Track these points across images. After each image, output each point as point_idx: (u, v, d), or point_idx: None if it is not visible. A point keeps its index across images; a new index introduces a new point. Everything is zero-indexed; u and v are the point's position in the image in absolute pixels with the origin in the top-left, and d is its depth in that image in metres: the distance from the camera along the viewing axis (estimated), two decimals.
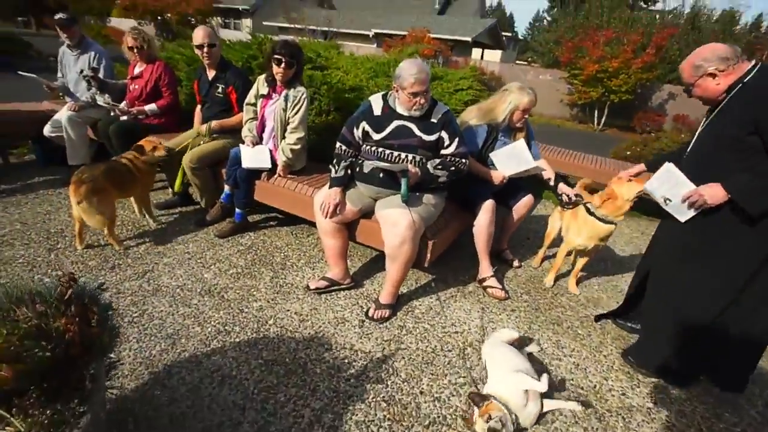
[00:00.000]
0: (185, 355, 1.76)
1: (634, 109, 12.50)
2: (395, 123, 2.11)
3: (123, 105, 3.43)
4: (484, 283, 2.54)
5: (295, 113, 2.58)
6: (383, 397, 1.66)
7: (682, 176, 1.73)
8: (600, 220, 2.35)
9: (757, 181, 1.52)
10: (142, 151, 2.69)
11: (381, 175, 2.11)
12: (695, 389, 1.95)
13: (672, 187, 1.76)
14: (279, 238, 2.91)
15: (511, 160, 2.46)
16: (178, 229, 2.87)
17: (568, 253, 2.65)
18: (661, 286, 1.93)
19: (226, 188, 2.85)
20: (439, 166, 2.12)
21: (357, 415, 1.57)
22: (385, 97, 2.18)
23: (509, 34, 33.23)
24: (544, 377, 1.60)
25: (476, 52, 20.21)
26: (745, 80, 1.56)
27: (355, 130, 2.19)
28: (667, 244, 1.93)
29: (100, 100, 3.54)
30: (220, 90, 2.94)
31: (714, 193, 1.61)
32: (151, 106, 3.34)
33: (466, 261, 2.78)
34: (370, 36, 19.37)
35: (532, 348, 2.01)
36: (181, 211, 3.15)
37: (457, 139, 2.13)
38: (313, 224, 3.01)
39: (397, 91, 2.07)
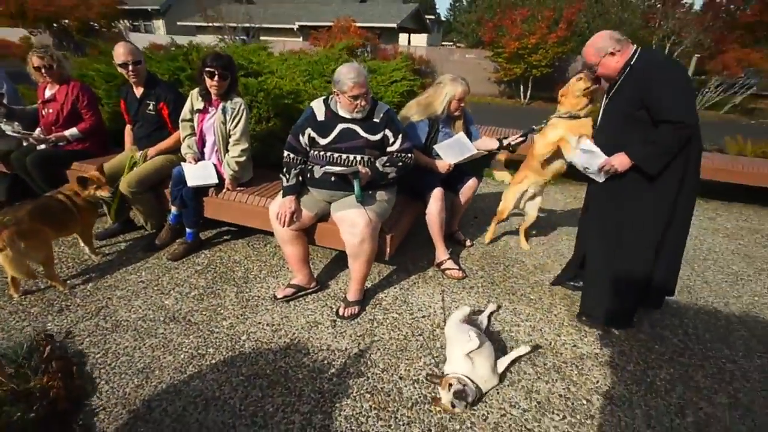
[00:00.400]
0: (162, 386, 1.73)
1: (555, 81, 13.41)
2: (340, 126, 2.17)
3: (37, 132, 3.15)
4: (442, 266, 2.70)
5: (236, 125, 2.55)
6: (366, 389, 1.77)
7: (596, 149, 2.06)
8: (569, 117, 2.47)
9: (649, 148, 1.88)
10: (85, 185, 2.47)
11: (333, 178, 2.17)
12: (631, 330, 2.26)
13: (590, 159, 2.08)
14: (236, 252, 2.88)
15: (453, 150, 2.62)
16: (126, 259, 2.73)
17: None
18: (598, 237, 2.22)
19: (173, 209, 2.75)
20: (387, 164, 2.22)
21: (345, 410, 1.66)
22: (326, 102, 2.22)
23: (432, 17, 33.86)
24: (472, 334, 1.78)
25: (403, 38, 20.47)
26: (631, 63, 1.89)
27: (300, 137, 2.22)
28: (597, 202, 2.24)
29: (8, 129, 3.22)
30: (150, 107, 2.80)
31: (621, 161, 1.95)
32: (72, 131, 3.10)
33: (423, 247, 2.94)
34: (295, 29, 18.86)
35: (490, 308, 2.24)
36: (125, 238, 2.99)
37: (400, 136, 2.23)
38: (268, 233, 3.01)
39: (337, 95, 2.12)
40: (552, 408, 1.75)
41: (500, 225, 3.22)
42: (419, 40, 23.45)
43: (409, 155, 2.28)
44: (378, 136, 2.18)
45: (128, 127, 3.03)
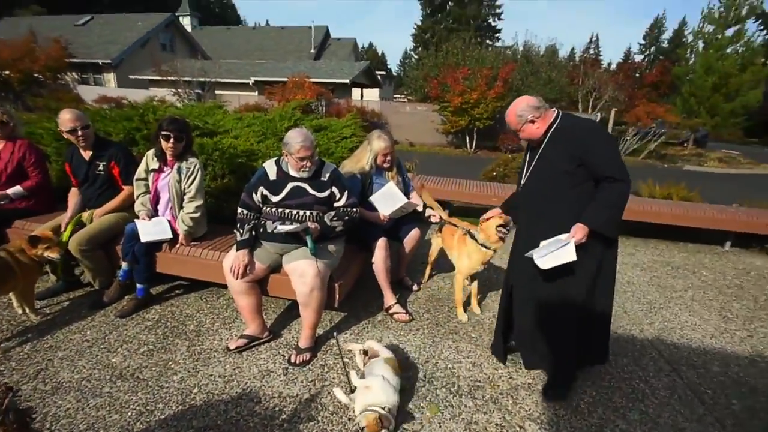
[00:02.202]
0: None
1: (497, 132, 14.65)
2: (290, 185, 2.38)
3: None
4: (390, 311, 2.88)
5: (191, 183, 2.68)
6: (316, 431, 1.85)
7: (553, 241, 1.98)
8: (482, 246, 2.74)
9: (605, 212, 1.90)
10: (36, 244, 2.44)
11: (284, 234, 2.34)
12: None
13: (555, 255, 1.95)
14: (188, 306, 2.90)
15: (386, 200, 2.87)
16: (69, 318, 2.67)
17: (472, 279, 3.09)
18: (528, 298, 2.21)
19: (124, 265, 2.76)
20: (335, 218, 2.43)
21: None
22: (278, 163, 2.44)
23: (383, 72, 36.18)
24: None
25: (356, 92, 21.62)
26: (555, 125, 2.00)
27: (254, 195, 2.40)
28: (524, 266, 2.14)
29: None
30: (101, 167, 2.86)
31: (585, 233, 1.92)
32: (16, 189, 3.08)
33: (372, 294, 3.10)
34: (251, 84, 19.43)
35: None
36: (69, 297, 2.92)
37: (346, 192, 2.48)
38: (221, 286, 3.06)
39: (286, 156, 2.35)
40: None
41: (444, 269, 3.48)
42: (372, 94, 24.87)
43: (355, 210, 2.51)
44: (325, 193, 2.41)
45: (73, 190, 3.01)
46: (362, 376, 2.02)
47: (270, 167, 2.43)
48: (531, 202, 2.16)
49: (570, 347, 2.17)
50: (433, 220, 3.08)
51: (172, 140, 2.56)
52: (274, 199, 2.37)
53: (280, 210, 2.37)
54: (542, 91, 19.68)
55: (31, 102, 13.86)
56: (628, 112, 14.60)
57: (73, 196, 2.97)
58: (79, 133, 2.76)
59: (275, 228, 2.33)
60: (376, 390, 1.88)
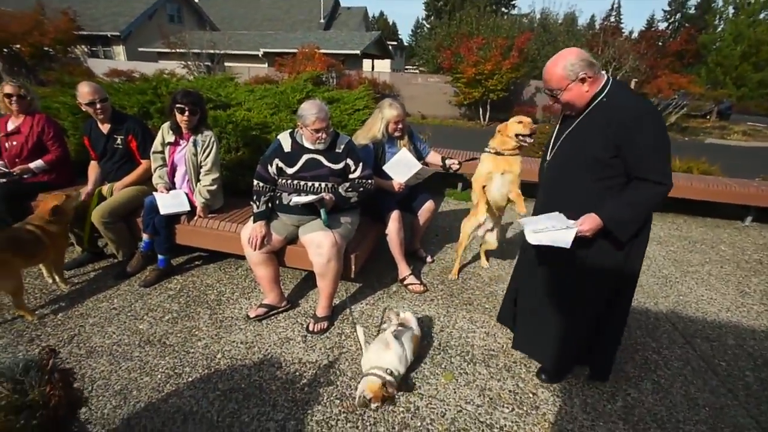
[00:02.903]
0: (140, 405, 1.82)
1: (511, 104, 14.29)
2: (305, 157, 2.38)
3: None
4: (405, 282, 2.92)
5: (207, 156, 2.70)
6: (335, 395, 1.93)
7: (562, 217, 1.74)
8: (495, 153, 2.69)
9: (627, 210, 1.62)
10: (61, 212, 2.53)
11: (300, 206, 2.36)
12: None
13: (549, 223, 1.75)
14: (208, 276, 2.98)
15: (400, 167, 2.85)
16: (96, 287, 2.78)
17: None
18: (541, 292, 1.98)
19: (145, 236, 2.84)
20: (350, 189, 2.44)
21: (316, 416, 1.81)
22: (292, 135, 2.43)
23: (395, 43, 35.22)
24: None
25: (366, 64, 21.15)
26: (601, 97, 1.61)
27: (269, 167, 2.41)
28: (541, 258, 1.96)
29: None
30: (119, 141, 2.90)
31: (594, 227, 1.65)
32: (38, 163, 3.14)
33: (387, 265, 3.15)
34: (260, 56, 19.11)
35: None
36: (95, 267, 3.03)
37: (361, 164, 2.47)
38: (239, 257, 3.14)
39: (301, 128, 2.34)
40: (502, 402, 1.97)
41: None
42: (383, 65, 24.32)
43: (369, 181, 2.51)
44: (340, 165, 2.41)
45: (93, 163, 3.07)
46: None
47: (285, 139, 2.43)
48: (550, 188, 1.84)
49: (570, 352, 2.00)
50: (454, 168, 3.11)
51: (186, 113, 2.57)
52: (290, 171, 2.38)
53: (295, 182, 2.38)
54: None
55: (43, 76, 13.90)
56: (649, 82, 14.03)
57: (93, 170, 3.03)
58: (98, 106, 2.78)
59: (291, 200, 2.35)
60: (392, 352, 1.94)
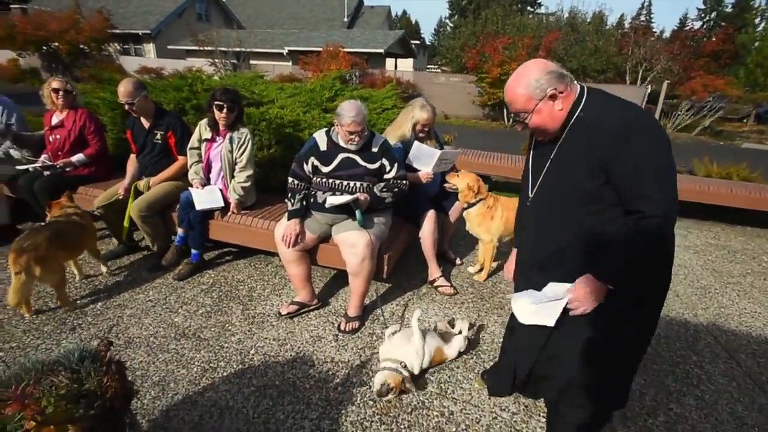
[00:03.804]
0: (178, 397, 1.85)
1: None
2: (341, 156, 2.37)
3: (43, 158, 3.29)
4: (435, 284, 2.89)
5: (242, 153, 2.74)
6: (369, 397, 1.92)
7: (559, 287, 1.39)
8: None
9: (620, 263, 1.27)
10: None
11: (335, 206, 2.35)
12: None
13: (543, 310, 1.41)
14: (239, 272, 3.02)
15: (421, 158, 2.80)
16: (132, 279, 2.85)
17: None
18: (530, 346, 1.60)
19: (180, 231, 2.89)
20: (384, 189, 2.43)
21: (350, 416, 1.80)
22: (328, 133, 2.43)
23: (417, 42, 35.05)
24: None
25: (389, 63, 21.13)
26: (578, 112, 1.29)
27: (304, 165, 2.42)
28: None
29: (17, 155, 3.36)
30: (158, 137, 2.96)
31: (596, 296, 1.30)
32: (79, 156, 3.24)
33: (416, 266, 3.12)
34: (285, 54, 19.34)
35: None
36: (130, 260, 3.11)
37: (396, 164, 2.45)
38: (269, 254, 3.17)
39: (338, 126, 2.34)
40: (538, 411, 1.92)
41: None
42: (405, 64, 24.23)
43: (404, 182, 2.49)
44: (376, 165, 2.39)
45: (132, 157, 3.15)
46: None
47: (320, 137, 2.43)
48: (538, 231, 1.50)
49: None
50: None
51: (225, 110, 2.60)
52: (325, 169, 2.38)
53: (330, 180, 2.38)
54: (587, 62, 18.54)
55: (78, 73, 14.42)
56: (683, 84, 13.54)
57: (132, 164, 3.11)
58: (126, 108, 2.86)
59: (325, 200, 2.35)
60: (414, 349, 1.98)
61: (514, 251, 1.76)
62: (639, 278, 1.29)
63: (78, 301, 2.56)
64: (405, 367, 1.94)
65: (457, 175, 2.91)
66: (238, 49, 15.46)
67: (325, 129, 2.48)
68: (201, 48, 15.22)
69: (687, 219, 4.85)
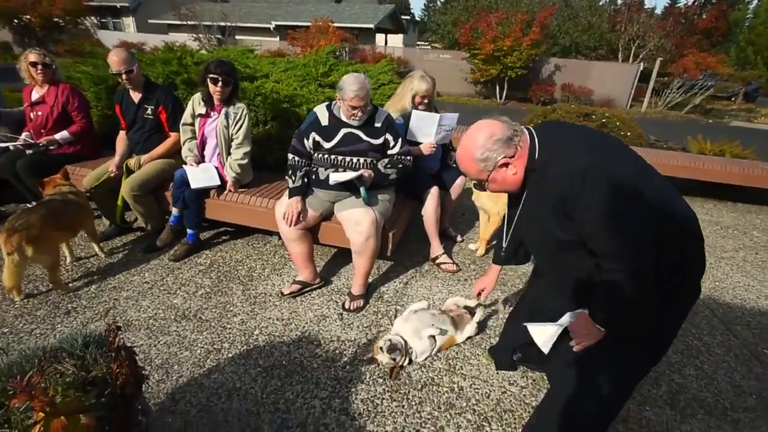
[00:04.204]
0: (183, 380, 1.81)
1: (529, 82, 13.90)
2: (343, 131, 2.29)
3: (25, 136, 3.12)
4: (437, 261, 2.87)
5: (238, 129, 2.63)
6: (378, 374, 1.90)
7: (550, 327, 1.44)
8: None
9: (603, 312, 1.26)
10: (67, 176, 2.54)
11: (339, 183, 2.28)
12: None
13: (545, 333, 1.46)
14: (237, 251, 2.95)
15: (422, 127, 2.73)
16: (126, 261, 2.76)
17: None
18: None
19: (174, 210, 2.79)
20: (389, 165, 2.36)
21: (360, 394, 1.79)
22: (329, 108, 2.34)
23: (407, 17, 34.16)
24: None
25: (379, 38, 20.60)
26: (532, 168, 1.25)
27: (305, 140, 2.33)
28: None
29: None
30: (149, 111, 2.82)
31: (595, 335, 1.29)
32: (63, 134, 3.09)
33: (417, 243, 3.09)
34: (271, 29, 18.68)
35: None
36: (123, 241, 3.01)
37: (400, 140, 2.38)
38: (267, 233, 3.10)
39: (339, 100, 2.25)
40: (546, 384, 1.93)
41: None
42: (396, 40, 23.67)
43: (408, 158, 2.43)
44: (380, 140, 2.32)
45: (122, 134, 3.00)
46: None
47: (321, 112, 2.33)
48: (552, 276, 1.52)
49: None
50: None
51: (220, 84, 2.48)
52: (327, 145, 2.30)
53: (332, 157, 2.30)
54: (580, 38, 18.32)
55: (53, 47, 13.74)
56: (675, 62, 13.50)
57: (121, 141, 2.97)
58: (124, 76, 2.70)
59: (328, 177, 2.28)
60: (421, 348, 1.96)
61: (493, 268, 1.86)
62: (617, 323, 1.26)
63: (71, 284, 2.47)
64: (408, 352, 1.94)
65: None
66: (223, 24, 14.88)
67: (326, 103, 2.38)
68: (184, 22, 14.61)
69: (682, 196, 4.89)
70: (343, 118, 2.29)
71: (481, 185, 1.35)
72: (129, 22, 20.07)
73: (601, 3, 21.74)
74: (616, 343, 1.29)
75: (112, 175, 2.79)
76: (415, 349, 1.97)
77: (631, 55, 15.54)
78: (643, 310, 1.22)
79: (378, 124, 2.33)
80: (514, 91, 13.88)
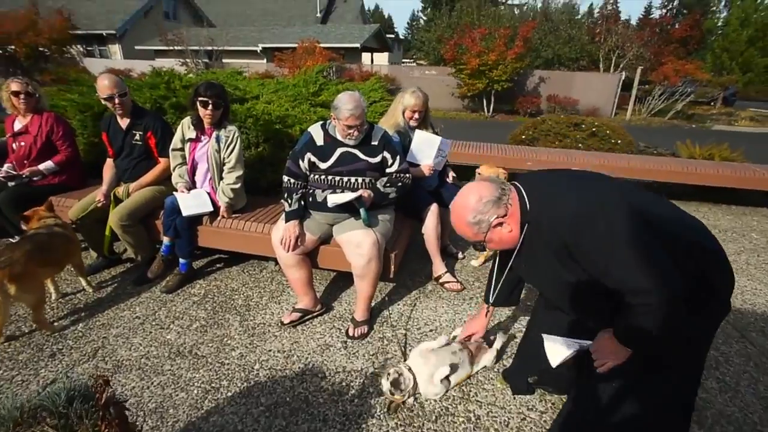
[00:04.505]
0: (179, 425, 1.68)
1: (515, 95, 14.10)
2: (339, 150, 2.22)
3: (7, 168, 3.00)
4: (441, 280, 2.78)
5: (230, 153, 2.54)
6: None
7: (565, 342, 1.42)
8: None
9: (635, 333, 1.18)
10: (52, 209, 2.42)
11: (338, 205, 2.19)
12: None
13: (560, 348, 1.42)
14: (232, 280, 2.83)
15: (423, 148, 2.70)
16: (115, 295, 2.62)
17: None
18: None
19: (165, 239, 2.68)
20: (388, 184, 2.29)
21: (372, 430, 1.67)
22: (324, 127, 2.27)
23: (392, 36, 34.81)
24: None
25: (366, 57, 20.86)
26: (528, 218, 1.25)
27: (300, 162, 2.25)
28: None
29: None
30: (138, 137, 2.72)
31: (620, 355, 1.23)
32: (48, 164, 2.98)
33: (418, 263, 3.00)
34: (258, 51, 18.82)
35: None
36: (111, 273, 2.87)
37: (398, 158, 2.31)
38: (262, 258, 2.99)
39: (334, 120, 2.18)
40: None
41: None
42: (381, 58, 23.99)
43: (407, 175, 2.36)
44: (378, 159, 2.25)
45: (109, 161, 2.88)
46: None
47: (316, 132, 2.27)
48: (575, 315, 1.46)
49: None
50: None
51: (210, 107, 2.40)
52: (323, 165, 2.22)
53: (330, 177, 2.23)
54: (562, 51, 18.74)
55: (38, 77, 13.62)
56: (655, 70, 13.84)
57: (109, 169, 2.85)
58: (116, 101, 2.60)
59: (326, 198, 2.19)
60: (426, 372, 1.82)
61: (484, 309, 1.88)
62: (647, 345, 1.20)
63: (56, 323, 2.33)
64: (414, 394, 1.81)
65: (479, 173, 2.96)
66: (210, 48, 14.94)
67: (321, 122, 2.32)
68: (171, 48, 14.64)
69: (675, 201, 4.90)
70: (339, 138, 2.23)
71: (479, 246, 1.37)
72: (115, 49, 20.07)
73: (579, 16, 22.42)
74: (640, 366, 1.24)
75: (100, 204, 2.67)
76: (425, 394, 1.83)
77: (612, 65, 15.91)
78: (672, 335, 1.15)
79: (375, 142, 2.26)
80: (501, 104, 14.05)
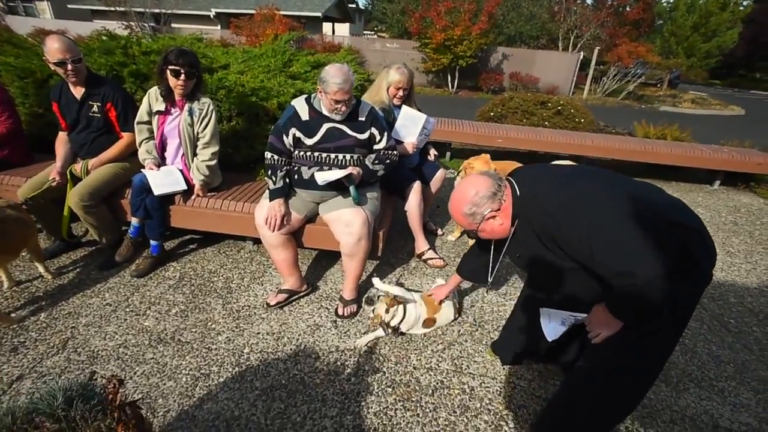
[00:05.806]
0: (171, 415, 1.61)
1: (479, 71, 14.18)
2: (325, 126, 2.13)
3: None
4: (424, 257, 2.80)
5: (205, 127, 2.37)
6: (386, 383, 1.81)
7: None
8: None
9: (623, 308, 1.28)
10: None
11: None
12: None
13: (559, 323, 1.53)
14: (209, 261, 2.70)
15: (408, 126, 2.67)
16: (79, 281, 2.43)
17: None
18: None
19: (134, 221, 2.49)
20: (376, 161, 2.24)
21: (372, 407, 1.68)
22: (309, 101, 2.16)
23: (353, 5, 33.56)
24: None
25: (327, 27, 20.05)
26: (518, 211, 1.36)
27: (284, 137, 2.14)
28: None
29: None
30: (95, 108, 2.44)
31: (613, 326, 1.32)
32: None
33: (400, 239, 3.01)
34: (212, 17, 17.53)
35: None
36: (70, 257, 2.64)
37: (385, 134, 2.26)
38: (239, 238, 2.87)
39: (321, 93, 2.08)
40: (551, 375, 1.94)
41: None
42: (342, 29, 23.18)
43: (395, 152, 2.32)
44: (366, 135, 2.18)
45: (62, 135, 2.58)
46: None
47: (300, 106, 2.15)
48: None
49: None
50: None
51: (182, 77, 2.20)
52: (309, 141, 2.13)
53: (316, 154, 2.14)
54: (524, 28, 18.96)
55: None
56: (610, 51, 14.39)
57: (62, 144, 2.56)
58: (69, 66, 2.29)
59: (314, 175, 2.11)
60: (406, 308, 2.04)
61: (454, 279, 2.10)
62: (639, 322, 1.29)
63: (13, 314, 2.12)
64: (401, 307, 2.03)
65: (472, 167, 2.99)
66: (157, 11, 13.69)
67: (305, 96, 2.20)
68: (111, 8, 13.26)
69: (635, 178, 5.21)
70: (325, 113, 2.13)
71: (472, 234, 1.50)
72: (44, 6, 17.91)
73: None
74: (634, 334, 1.32)
75: (55, 183, 2.42)
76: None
77: (570, 44, 16.34)
78: (659, 308, 1.24)
79: (362, 118, 2.19)
80: (464, 80, 14.09)
